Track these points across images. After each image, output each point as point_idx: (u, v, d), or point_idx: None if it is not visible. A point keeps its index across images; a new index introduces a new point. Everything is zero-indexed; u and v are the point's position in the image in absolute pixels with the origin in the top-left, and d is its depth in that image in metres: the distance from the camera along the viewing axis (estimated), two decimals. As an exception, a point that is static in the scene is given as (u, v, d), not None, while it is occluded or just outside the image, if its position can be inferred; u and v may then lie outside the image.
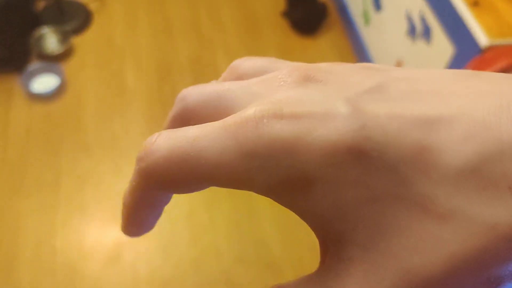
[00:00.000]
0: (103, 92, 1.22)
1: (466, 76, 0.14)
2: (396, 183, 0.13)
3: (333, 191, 0.13)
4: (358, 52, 1.28)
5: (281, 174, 0.14)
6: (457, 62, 0.82)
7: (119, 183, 1.06)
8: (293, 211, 0.15)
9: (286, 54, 1.31)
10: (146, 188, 0.17)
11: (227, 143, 0.14)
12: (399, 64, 1.05)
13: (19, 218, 1.01)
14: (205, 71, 1.27)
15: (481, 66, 0.79)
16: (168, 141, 0.15)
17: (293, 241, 0.99)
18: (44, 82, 1.21)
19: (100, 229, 0.99)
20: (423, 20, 0.92)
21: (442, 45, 0.86)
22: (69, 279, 0.93)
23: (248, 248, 0.98)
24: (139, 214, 0.18)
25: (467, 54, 0.81)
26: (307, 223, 0.15)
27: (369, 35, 1.20)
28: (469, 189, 0.12)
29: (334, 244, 0.14)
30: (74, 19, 1.33)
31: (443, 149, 0.12)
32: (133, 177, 0.17)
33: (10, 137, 1.12)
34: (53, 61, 1.23)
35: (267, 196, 0.15)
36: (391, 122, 0.13)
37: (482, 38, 0.76)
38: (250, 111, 0.14)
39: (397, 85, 0.14)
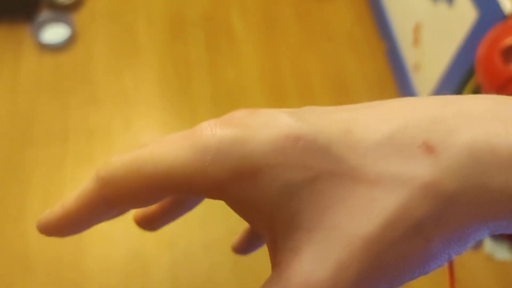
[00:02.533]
0: (114, 45, 1.20)
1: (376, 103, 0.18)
2: (330, 161, 0.15)
3: (279, 175, 0.15)
4: (376, 14, 1.25)
5: (232, 165, 0.15)
6: (479, 28, 0.80)
7: (128, 137, 1.06)
8: (242, 210, 0.16)
9: (303, 16, 1.28)
10: (98, 197, 0.18)
11: (182, 145, 0.16)
12: (417, 27, 1.02)
13: (28, 170, 1.01)
14: (218, 29, 1.24)
15: (503, 33, 0.76)
16: (129, 154, 0.17)
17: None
18: (54, 33, 1.19)
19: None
20: (447, -18, 0.89)
21: (465, 9, 0.83)
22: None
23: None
24: (75, 219, 0.19)
25: (490, 19, 0.78)
26: (255, 220, 0.15)
27: (389, -3, 1.16)
28: (388, 154, 0.15)
29: (282, 235, 0.15)
30: (85, -32, 1.30)
31: (364, 129, 0.16)
32: (86, 184, 0.18)
33: (19, 87, 1.12)
34: (63, 11, 1.21)
35: (220, 198, 0.16)
36: (320, 119, 0.16)
37: (507, 4, 0.73)
38: (203, 123, 0.17)
39: (316, 108, 0.18)
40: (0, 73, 1.14)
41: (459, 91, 0.88)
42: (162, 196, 0.17)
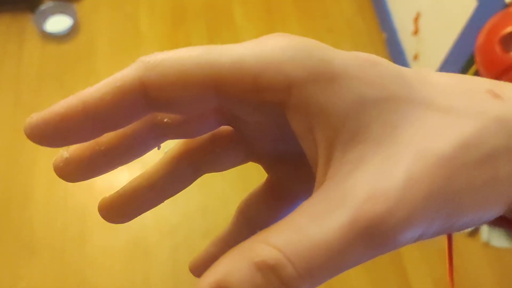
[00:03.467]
0: (116, 34, 1.21)
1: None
2: (404, 87, 0.15)
3: (355, 86, 0.15)
4: (377, 4, 1.25)
5: (312, 65, 0.15)
6: (479, 16, 0.80)
7: (130, 126, 1.07)
8: (305, 115, 0.15)
9: (303, 6, 1.28)
10: (137, 85, 0.15)
11: (258, 41, 0.15)
12: (417, 17, 1.03)
13: (32, 157, 1.02)
14: (219, 18, 1.25)
15: (503, 21, 0.77)
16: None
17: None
18: (57, 22, 1.19)
19: (111, 173, 1.00)
20: (447, -29, 0.89)
21: (465, -2, 0.83)
22: (80, 219, 0.95)
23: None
24: (99, 118, 0.15)
25: (490, 8, 0.79)
26: (315, 130, 0.15)
27: (389, -13, 1.17)
28: (458, 93, 0.16)
29: (343, 148, 0.15)
30: (87, -42, 1.30)
31: (434, 75, 0.16)
32: (121, 72, 0.15)
33: (23, 76, 1.12)
34: (66, 1, 1.22)
35: (281, 102, 0.15)
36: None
37: (507, -9, 0.73)
38: None
39: None
40: (3, 63, 1.14)
41: (458, 79, 0.89)
42: (212, 97, 0.15)
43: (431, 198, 0.14)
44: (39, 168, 1.01)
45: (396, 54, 1.13)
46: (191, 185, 0.20)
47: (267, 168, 0.21)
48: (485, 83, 0.16)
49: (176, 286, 0.90)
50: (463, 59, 0.87)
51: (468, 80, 0.16)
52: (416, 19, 1.03)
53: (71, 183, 0.20)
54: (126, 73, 0.15)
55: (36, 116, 0.16)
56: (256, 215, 0.21)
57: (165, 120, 0.18)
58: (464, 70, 0.87)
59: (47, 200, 0.97)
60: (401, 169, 0.14)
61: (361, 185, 0.14)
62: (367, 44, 1.21)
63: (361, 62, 0.15)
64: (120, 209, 0.20)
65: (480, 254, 0.95)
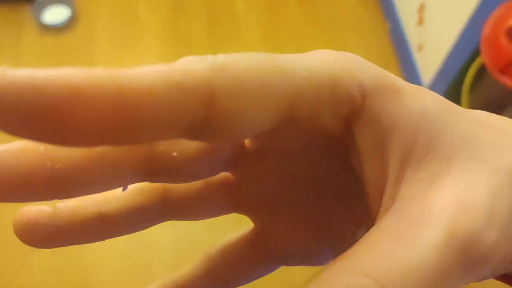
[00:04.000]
0: (115, 24, 1.19)
1: None
2: (451, 103, 0.14)
3: (419, 99, 0.14)
4: (380, -7, 1.23)
5: (376, 75, 0.14)
6: (485, 7, 0.79)
7: (130, 119, 1.06)
8: (376, 129, 0.14)
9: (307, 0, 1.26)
10: (204, 95, 0.11)
11: (314, 53, 0.14)
12: (422, 7, 1.01)
13: (31, 150, 1.01)
14: (220, 6, 1.23)
15: (510, 11, 0.75)
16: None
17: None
18: (55, 13, 1.18)
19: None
20: (452, -40, 0.87)
21: (471, -12, 0.82)
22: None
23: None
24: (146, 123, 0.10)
25: (496, -2, 0.77)
26: (394, 139, 0.14)
27: (393, -25, 1.15)
28: (493, 118, 0.15)
29: (417, 163, 0.13)
30: None
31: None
32: (183, 65, 0.11)
33: (21, 68, 1.11)
34: (64, -9, 1.20)
35: (357, 109, 0.14)
36: None
37: (515, -19, 0.72)
38: None
39: None
40: (1, 54, 1.13)
41: (463, 71, 0.87)
42: (283, 112, 0.12)
43: None
44: (38, 162, 1.01)
45: (400, 44, 1.12)
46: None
47: (257, 219, 0.18)
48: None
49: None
50: (468, 51, 0.85)
51: (489, 114, 0.16)
52: (420, 9, 1.01)
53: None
54: (188, 67, 0.11)
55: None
56: (228, 270, 0.18)
57: (174, 154, 0.14)
58: (469, 62, 0.86)
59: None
60: (482, 184, 0.13)
61: (446, 199, 0.12)
62: (370, 34, 1.19)
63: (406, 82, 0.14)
64: (49, 233, 0.15)
65: None
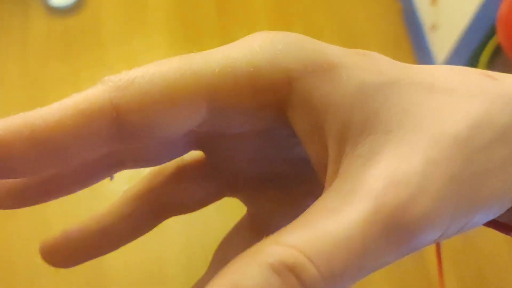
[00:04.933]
0: (122, 7, 1.18)
1: None
2: (402, 71, 0.14)
3: (355, 74, 0.14)
4: (392, -28, 1.21)
5: (306, 56, 0.14)
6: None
7: (139, 102, 1.06)
8: (309, 112, 0.14)
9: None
10: (105, 104, 0.12)
11: (246, 40, 0.14)
12: (436, -14, 0.99)
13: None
14: (229, -11, 1.21)
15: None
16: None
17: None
18: (62, -5, 1.17)
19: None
20: None
21: (486, -34, 0.79)
22: (90, 202, 0.94)
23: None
24: (57, 141, 0.12)
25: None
26: (322, 127, 0.14)
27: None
28: (454, 75, 0.15)
29: (353, 141, 0.13)
30: None
31: (419, 65, 0.15)
32: (85, 91, 0.13)
33: (29, 51, 1.11)
34: (71, -27, 1.19)
35: (283, 101, 0.14)
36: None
37: (534, -42, 0.70)
38: None
39: None
40: (10, 38, 1.13)
41: (478, 52, 0.86)
42: (203, 111, 0.13)
43: (453, 183, 0.12)
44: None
45: (413, 25, 1.10)
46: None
47: (246, 200, 0.19)
48: (474, 70, 0.16)
49: (190, 261, 0.90)
50: (483, 31, 0.83)
51: (457, 67, 0.16)
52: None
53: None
54: (91, 93, 0.13)
55: None
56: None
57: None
58: (484, 42, 0.84)
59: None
60: (418, 154, 0.13)
61: (378, 174, 0.12)
62: (381, 13, 1.17)
63: (352, 53, 0.14)
64: (65, 254, 0.17)
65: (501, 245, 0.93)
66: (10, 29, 1.14)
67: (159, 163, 0.16)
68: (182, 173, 0.17)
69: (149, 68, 0.13)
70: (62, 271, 0.77)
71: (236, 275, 0.11)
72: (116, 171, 0.16)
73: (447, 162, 0.12)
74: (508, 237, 0.16)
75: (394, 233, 0.12)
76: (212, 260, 0.19)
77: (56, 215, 0.93)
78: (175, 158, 0.17)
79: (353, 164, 0.13)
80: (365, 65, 0.14)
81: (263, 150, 0.17)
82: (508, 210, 0.14)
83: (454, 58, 0.93)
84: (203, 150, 0.17)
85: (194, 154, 0.17)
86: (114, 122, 0.12)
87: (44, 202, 0.15)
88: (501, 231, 0.17)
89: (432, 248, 0.75)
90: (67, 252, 0.17)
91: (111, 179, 0.16)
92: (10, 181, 0.14)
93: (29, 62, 1.10)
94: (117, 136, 0.12)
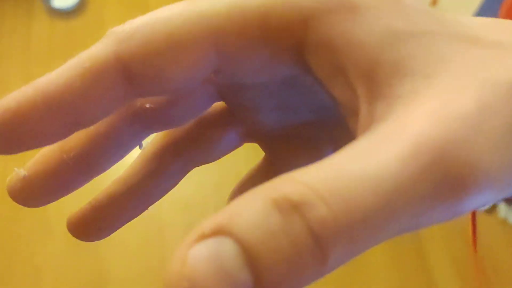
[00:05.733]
0: (125, 9, 1.19)
1: None
2: (437, 23, 0.12)
3: (384, 18, 0.12)
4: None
5: None
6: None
7: (141, 103, 1.06)
8: (331, 51, 0.12)
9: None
10: (111, 61, 0.12)
11: None
12: (436, -14, 0.99)
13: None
14: None
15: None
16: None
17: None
18: (64, -3, 1.18)
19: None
20: None
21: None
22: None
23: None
24: (67, 104, 0.12)
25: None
26: (347, 67, 0.12)
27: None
28: (497, 31, 0.13)
29: (388, 80, 0.11)
30: None
31: (459, 16, 0.14)
32: (87, 50, 0.12)
33: (32, 53, 1.11)
34: (73, -25, 1.20)
35: (300, 36, 0.12)
36: None
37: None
38: None
39: None
40: (12, 39, 1.13)
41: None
42: (212, 58, 0.12)
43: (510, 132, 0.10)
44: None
45: None
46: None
47: (266, 147, 0.18)
48: None
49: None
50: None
51: (500, 20, 0.14)
52: (434, -11, 0.99)
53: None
54: (94, 50, 0.12)
55: None
56: None
57: (147, 105, 0.14)
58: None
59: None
60: (471, 97, 0.10)
61: (427, 112, 0.10)
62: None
63: None
64: (94, 224, 0.16)
65: (498, 232, 0.93)
66: (12, 31, 1.14)
67: (186, 121, 0.16)
68: (203, 121, 0.16)
69: (153, 15, 0.12)
70: (62, 271, 0.77)
71: (236, 208, 0.09)
72: (144, 137, 0.15)
73: (506, 109, 0.11)
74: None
75: (442, 178, 0.09)
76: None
77: (56, 215, 0.93)
78: (200, 113, 0.16)
79: (393, 105, 0.11)
80: (395, 11, 0.12)
81: (286, 99, 0.16)
82: None
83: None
84: (225, 101, 0.16)
85: (215, 104, 0.16)
86: (121, 75, 0.12)
87: (87, 182, 0.15)
88: None
89: (430, 240, 0.74)
90: (99, 222, 0.16)
91: (140, 147, 0.16)
92: (40, 171, 0.14)
93: (31, 63, 1.10)
94: (129, 89, 0.12)
